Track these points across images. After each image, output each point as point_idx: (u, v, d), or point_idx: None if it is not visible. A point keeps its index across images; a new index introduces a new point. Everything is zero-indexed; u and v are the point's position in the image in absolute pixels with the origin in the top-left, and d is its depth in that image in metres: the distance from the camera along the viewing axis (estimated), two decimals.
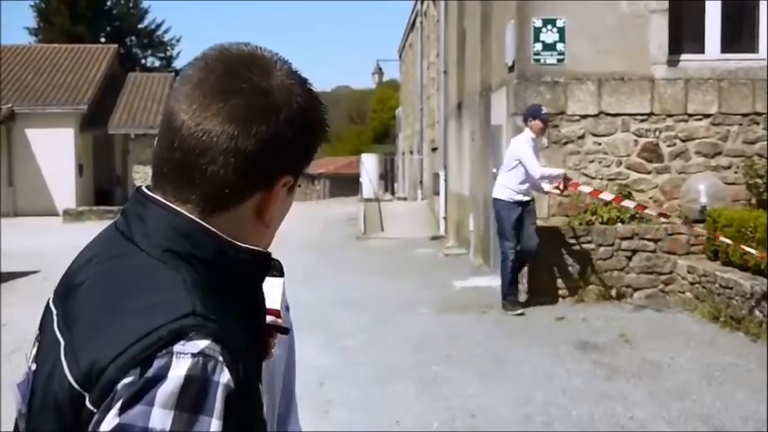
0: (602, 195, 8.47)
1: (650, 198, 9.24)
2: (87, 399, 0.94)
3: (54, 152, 24.65)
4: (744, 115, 9.27)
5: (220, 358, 0.94)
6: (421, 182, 22.29)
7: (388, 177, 32.95)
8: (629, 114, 9.27)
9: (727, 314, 7.46)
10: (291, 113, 1.06)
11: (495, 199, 8.35)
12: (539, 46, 9.22)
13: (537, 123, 8.11)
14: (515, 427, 5.08)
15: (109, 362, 0.93)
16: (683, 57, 9.39)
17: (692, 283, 8.26)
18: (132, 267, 1.03)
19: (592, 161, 9.30)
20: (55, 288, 1.14)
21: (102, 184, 27.29)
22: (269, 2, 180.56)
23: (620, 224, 8.84)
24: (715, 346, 6.85)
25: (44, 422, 1.01)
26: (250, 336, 1.06)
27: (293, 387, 1.45)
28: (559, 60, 9.23)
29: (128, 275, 1.03)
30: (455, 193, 14.81)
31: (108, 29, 41.83)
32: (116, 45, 31.84)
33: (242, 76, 1.05)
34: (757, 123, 9.25)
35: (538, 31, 9.21)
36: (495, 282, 9.32)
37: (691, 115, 9.29)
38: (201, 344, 0.94)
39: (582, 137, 9.30)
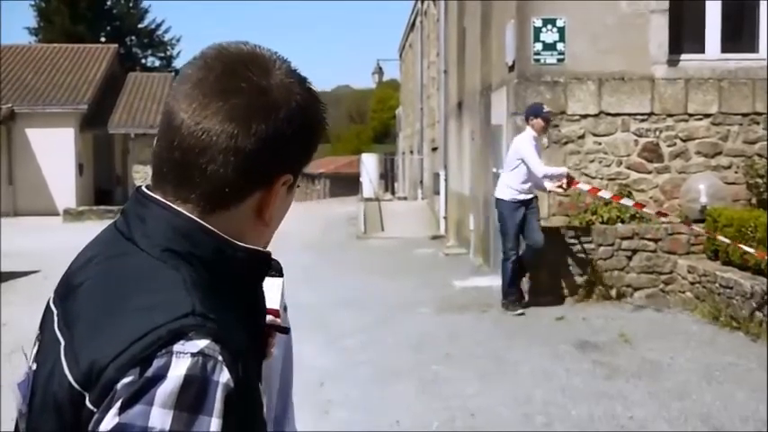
0: (600, 193, 8.46)
1: (650, 198, 9.24)
2: (87, 398, 0.94)
3: (54, 152, 24.65)
4: (744, 115, 9.26)
5: (220, 358, 0.94)
6: (421, 181, 22.29)
7: (388, 177, 32.94)
8: (630, 114, 9.27)
9: (728, 314, 7.46)
10: (291, 112, 1.06)
11: (498, 199, 8.32)
12: (539, 45, 9.22)
13: (538, 122, 8.08)
14: (515, 426, 5.08)
15: (109, 361, 0.93)
16: (684, 56, 9.39)
17: (692, 283, 8.26)
18: (132, 267, 1.03)
19: (592, 161, 9.30)
20: (55, 288, 1.14)
21: (103, 184, 27.29)
22: (269, 2, 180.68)
23: (620, 224, 8.84)
24: (715, 346, 6.85)
25: (44, 422, 1.01)
26: (250, 335, 1.06)
27: (290, 388, 1.45)
28: (559, 60, 9.23)
29: (128, 275, 1.03)
30: (455, 192, 14.81)
31: (108, 29, 41.82)
32: (116, 45, 31.83)
33: (241, 75, 1.05)
34: (757, 123, 9.25)
35: (538, 30, 9.21)
36: (495, 281, 9.32)
37: (691, 115, 9.29)
38: (201, 343, 0.94)
39: (582, 137, 9.30)
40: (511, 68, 9.59)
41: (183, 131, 1.03)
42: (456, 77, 14.96)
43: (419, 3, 23.41)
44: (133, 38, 43.77)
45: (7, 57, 27.66)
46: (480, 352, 6.83)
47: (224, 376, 0.94)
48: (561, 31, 9.19)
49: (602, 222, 8.92)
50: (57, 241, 13.12)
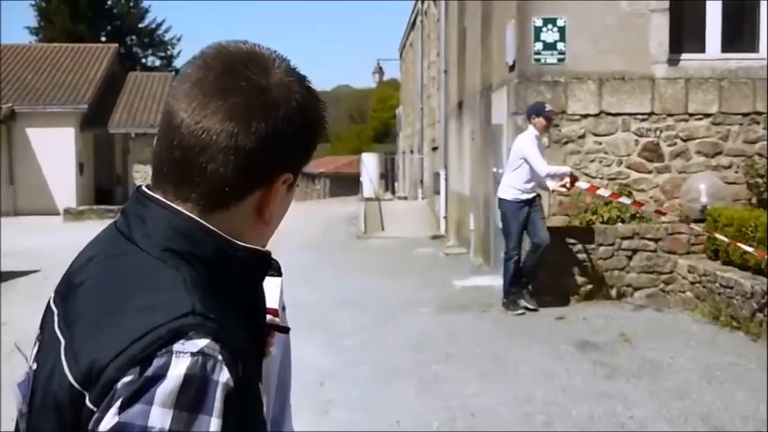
0: (599, 192, 8.44)
1: (651, 198, 9.24)
2: (87, 398, 0.94)
3: (54, 151, 24.65)
4: (744, 115, 9.26)
5: (220, 357, 0.94)
6: (421, 181, 22.29)
7: (388, 177, 32.93)
8: (630, 114, 9.27)
9: (728, 314, 7.46)
10: (290, 110, 1.06)
11: (501, 199, 8.26)
12: (539, 45, 9.22)
13: (540, 121, 8.04)
14: (515, 426, 5.08)
15: (109, 361, 0.93)
16: (684, 56, 9.39)
17: (692, 283, 8.26)
18: (132, 267, 1.03)
19: (592, 161, 9.30)
20: (56, 287, 1.14)
21: (103, 184, 27.30)
22: (269, 2, 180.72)
23: (620, 224, 8.84)
24: (715, 346, 6.85)
25: (44, 421, 1.01)
26: (250, 335, 1.06)
27: (288, 388, 1.44)
28: (560, 60, 9.22)
29: (128, 275, 1.03)
30: (455, 192, 14.81)
31: (108, 28, 41.83)
32: (116, 44, 31.83)
33: (241, 74, 1.05)
34: (758, 123, 9.25)
35: (538, 30, 9.21)
36: (495, 281, 9.32)
37: (691, 115, 9.28)
38: (201, 343, 0.94)
39: (582, 136, 9.30)
40: (511, 68, 9.59)
41: (183, 131, 1.03)
42: (456, 77, 14.96)
43: (419, 2, 23.41)
44: (133, 37, 43.79)
45: (7, 56, 27.66)
46: (480, 352, 6.83)
47: (224, 376, 0.94)
48: (562, 30, 9.19)
49: (603, 222, 8.92)
50: (57, 241, 13.12)
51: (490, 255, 10.81)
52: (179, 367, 0.92)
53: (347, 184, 34.73)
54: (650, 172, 9.32)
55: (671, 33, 9.26)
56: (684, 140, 9.30)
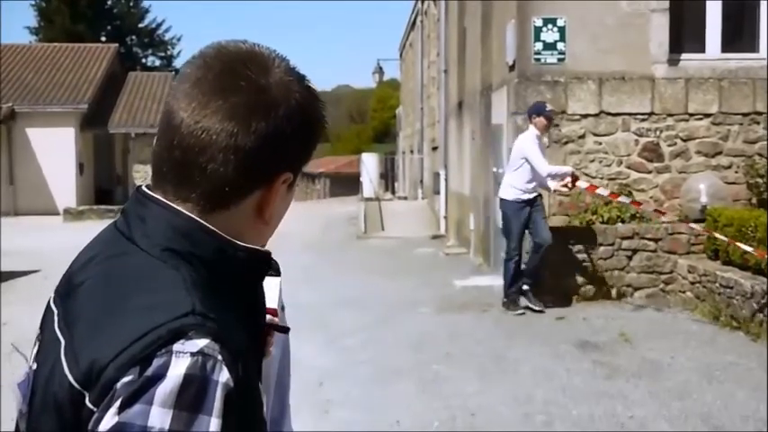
0: (598, 191, 8.42)
1: (651, 197, 9.24)
2: (87, 398, 0.94)
3: (54, 151, 24.65)
4: (744, 115, 9.26)
5: (220, 357, 0.94)
6: (421, 181, 22.29)
7: (388, 177, 32.93)
8: (630, 114, 9.27)
9: (728, 314, 7.46)
10: (290, 110, 1.06)
11: (502, 199, 8.23)
12: (539, 45, 9.21)
13: (541, 120, 8.01)
14: (515, 426, 5.08)
15: (108, 361, 0.93)
16: (684, 56, 9.39)
17: (692, 283, 8.26)
18: (132, 267, 1.03)
19: (592, 161, 9.30)
20: (56, 287, 1.14)
21: (103, 184, 27.30)
22: (269, 2, 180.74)
23: (620, 224, 8.84)
24: (715, 346, 6.85)
25: (44, 421, 1.01)
26: (250, 335, 1.06)
27: (287, 388, 1.44)
28: (560, 60, 9.22)
29: (128, 275, 1.03)
30: (455, 192, 14.81)
31: (108, 28, 41.83)
32: (116, 44, 31.84)
33: (240, 73, 1.05)
34: (758, 123, 9.25)
35: (538, 30, 9.21)
36: (495, 281, 9.32)
37: (691, 115, 9.28)
38: (201, 343, 0.94)
39: (582, 136, 9.30)
40: (511, 68, 9.59)
41: (183, 130, 1.03)
42: (456, 77, 14.96)
43: (419, 2, 23.41)
44: (133, 37, 43.78)
45: (8, 56, 27.67)
46: (480, 351, 6.83)
47: (224, 376, 0.94)
48: (562, 30, 9.18)
49: (603, 222, 8.92)
50: (57, 241, 13.13)
51: (490, 255, 10.81)
52: (179, 367, 0.92)
53: (347, 184, 34.73)
54: (650, 172, 9.32)
55: (671, 33, 9.26)
56: (684, 140, 9.30)
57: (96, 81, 26.91)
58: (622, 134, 9.29)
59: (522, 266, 8.29)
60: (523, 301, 8.27)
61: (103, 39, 37.85)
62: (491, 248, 10.76)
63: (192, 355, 0.93)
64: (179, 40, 50.78)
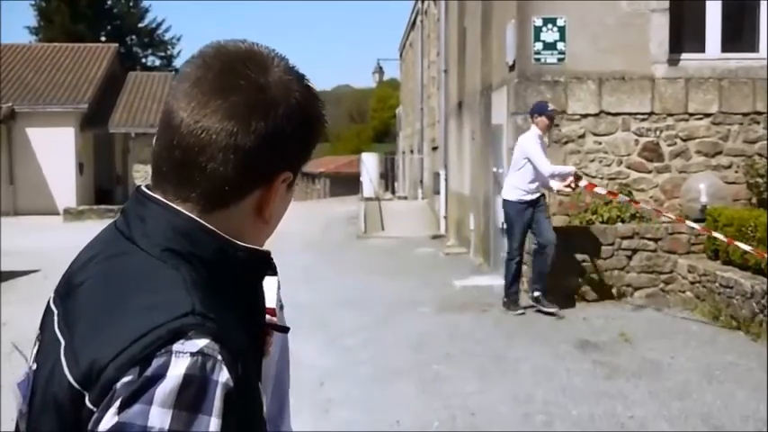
0: (596, 190, 8.37)
1: (651, 197, 9.24)
2: (87, 398, 0.94)
3: (54, 151, 24.65)
4: (744, 114, 9.26)
5: (219, 357, 0.94)
6: (421, 181, 22.29)
7: (388, 176, 32.93)
8: (630, 113, 9.27)
9: (728, 314, 7.46)
10: (289, 109, 1.06)
11: (505, 200, 8.18)
12: (539, 45, 9.21)
13: (543, 120, 7.97)
14: (515, 425, 5.08)
15: (108, 361, 0.93)
16: (684, 56, 9.38)
17: (692, 283, 8.26)
18: (132, 267, 1.03)
19: (592, 160, 9.30)
20: (55, 288, 1.14)
21: (103, 183, 27.30)
22: (269, 2, 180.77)
23: (620, 223, 8.84)
24: (715, 346, 6.85)
25: (44, 422, 1.01)
26: (250, 335, 1.06)
27: (287, 388, 1.44)
28: (560, 59, 9.22)
29: (128, 275, 1.03)
30: (455, 192, 14.81)
31: (108, 28, 41.84)
32: (116, 44, 31.83)
33: (240, 72, 1.05)
34: (758, 123, 9.25)
35: (538, 30, 9.20)
36: (495, 281, 9.32)
37: (691, 114, 9.28)
38: (201, 343, 0.94)
39: (582, 136, 9.30)
40: (511, 68, 9.59)
41: (183, 130, 1.03)
42: (456, 77, 14.96)
43: (419, 2, 23.40)
44: (133, 37, 43.79)
45: (7, 56, 27.67)
46: (480, 351, 6.83)
47: (223, 376, 0.94)
48: (561, 30, 9.18)
49: (603, 222, 8.91)
50: (57, 240, 13.13)
51: (490, 254, 10.81)
52: (179, 367, 0.92)
53: (347, 183, 34.73)
54: (650, 172, 9.32)
55: (671, 33, 9.26)
56: (684, 140, 9.30)
57: (96, 81, 26.90)
58: (622, 134, 9.30)
59: (524, 267, 8.29)
60: (524, 302, 8.27)
61: (103, 39, 37.85)
62: (491, 248, 10.76)
63: (192, 355, 0.93)
64: (179, 40, 50.80)
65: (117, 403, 0.91)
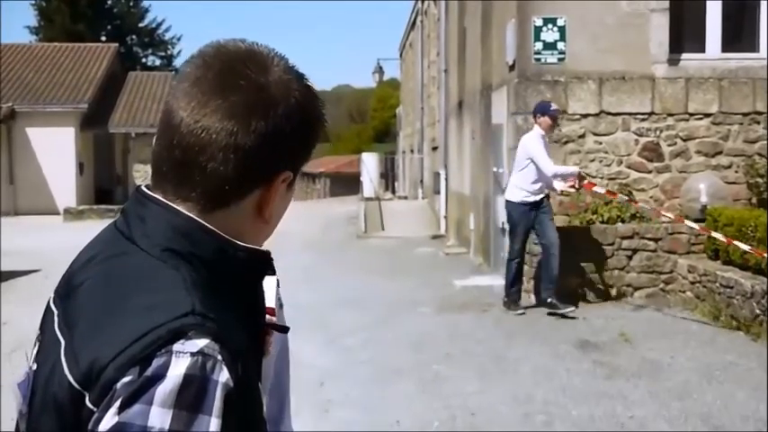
0: (595, 189, 8.36)
1: (651, 197, 9.24)
2: (87, 398, 0.94)
3: (54, 151, 24.66)
4: (744, 114, 9.26)
5: (219, 357, 0.94)
6: (421, 181, 22.29)
7: (388, 176, 32.92)
8: (630, 113, 9.26)
9: (728, 313, 7.46)
10: (289, 108, 1.06)
11: (508, 201, 8.15)
12: (539, 45, 9.21)
13: (546, 120, 7.94)
14: (515, 426, 5.08)
15: (108, 361, 0.93)
16: (684, 56, 9.38)
17: (692, 283, 8.26)
18: (132, 267, 1.03)
19: (592, 160, 9.30)
20: (55, 288, 1.14)
21: (103, 183, 27.30)
22: (269, 2, 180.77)
23: (620, 223, 8.84)
24: (715, 346, 6.85)
25: (44, 422, 1.01)
26: (250, 335, 1.06)
27: (287, 387, 1.44)
28: (560, 59, 9.22)
29: (128, 275, 1.03)
30: (455, 192, 14.81)
31: (108, 28, 41.83)
32: (116, 44, 31.84)
33: (239, 72, 1.05)
34: (758, 123, 9.25)
35: (538, 29, 9.20)
36: (495, 281, 9.33)
37: (691, 114, 9.28)
38: (201, 343, 0.94)
39: (582, 136, 9.30)
40: (511, 68, 9.59)
41: (183, 130, 1.03)
42: (456, 77, 14.96)
43: (419, 2, 23.40)
44: (133, 37, 43.79)
45: (8, 56, 27.67)
46: (481, 351, 6.83)
47: (223, 376, 0.94)
48: (562, 30, 9.18)
49: (603, 222, 8.91)
50: (57, 240, 13.12)
51: (490, 254, 10.81)
52: (179, 367, 0.92)
53: (347, 183, 34.73)
54: (650, 172, 9.32)
55: (671, 33, 9.25)
56: (684, 140, 9.30)
57: (96, 81, 26.91)
58: (622, 134, 9.29)
59: (525, 267, 8.28)
60: (525, 302, 8.27)
61: (103, 38, 37.86)
62: (491, 248, 10.76)
63: (192, 355, 0.93)
64: (179, 39, 50.69)
65: (117, 403, 0.91)
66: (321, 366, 6.33)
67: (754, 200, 9.09)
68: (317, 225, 17.54)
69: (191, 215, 1.04)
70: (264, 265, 1.11)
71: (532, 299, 8.52)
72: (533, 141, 7.92)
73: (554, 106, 8.13)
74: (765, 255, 6.98)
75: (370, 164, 23.45)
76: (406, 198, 25.06)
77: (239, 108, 1.03)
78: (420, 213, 18.90)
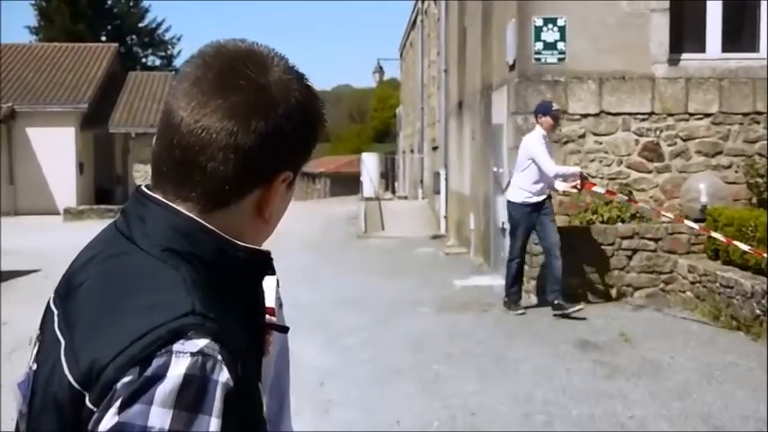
0: (595, 189, 8.35)
1: (651, 197, 9.24)
2: (87, 398, 0.94)
3: (54, 151, 24.66)
4: (744, 114, 9.26)
5: (219, 357, 0.94)
6: (421, 181, 22.29)
7: (388, 176, 32.92)
8: (630, 113, 9.26)
9: (728, 314, 7.45)
10: (289, 108, 1.06)
11: (509, 201, 8.12)
12: (539, 45, 9.21)
13: (547, 120, 7.92)
14: (515, 425, 5.08)
15: (108, 361, 0.93)
16: (684, 56, 9.38)
17: (692, 283, 8.26)
18: (132, 267, 1.03)
19: (592, 160, 9.30)
20: (55, 288, 1.14)
21: (103, 183, 27.30)
22: (269, 2, 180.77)
23: (620, 223, 8.83)
24: (715, 346, 6.85)
25: (44, 422, 1.01)
26: (250, 335, 1.05)
27: (287, 387, 1.44)
28: (560, 59, 9.22)
29: (128, 275, 1.03)
30: (455, 192, 14.81)
31: (108, 28, 41.83)
32: (116, 44, 31.84)
33: (240, 72, 1.05)
34: (758, 123, 9.25)
35: (538, 29, 9.20)
36: (495, 281, 9.33)
37: (691, 114, 9.28)
38: (201, 343, 0.94)
39: (582, 136, 9.30)
40: (511, 68, 9.59)
41: (183, 130, 1.03)
42: (457, 76, 14.96)
43: (420, 2, 23.41)
44: (134, 37, 43.78)
45: (8, 56, 27.67)
46: (481, 351, 6.83)
47: (223, 376, 0.94)
48: (562, 30, 9.18)
49: (603, 222, 8.91)
50: (57, 240, 13.12)
51: (490, 254, 10.81)
52: (179, 367, 0.92)
53: (347, 183, 34.74)
54: (650, 172, 9.32)
55: (671, 33, 9.25)
56: (684, 140, 9.30)
57: (96, 81, 26.91)
58: (622, 134, 9.30)
59: (525, 267, 8.28)
60: (525, 302, 8.27)
61: (103, 38, 37.87)
62: (491, 248, 10.76)
63: (192, 355, 0.93)
64: (179, 39, 50.69)
65: (117, 403, 0.91)
66: (321, 366, 6.33)
67: (754, 200, 9.09)
68: (316, 225, 17.54)
69: (191, 215, 1.04)
70: (264, 265, 1.11)
71: (533, 299, 8.53)
72: (535, 142, 7.91)
73: (555, 106, 8.13)
74: (765, 255, 6.98)
75: (370, 164, 23.45)
76: (406, 198, 25.06)
77: (239, 108, 1.03)
78: (420, 213, 18.90)
